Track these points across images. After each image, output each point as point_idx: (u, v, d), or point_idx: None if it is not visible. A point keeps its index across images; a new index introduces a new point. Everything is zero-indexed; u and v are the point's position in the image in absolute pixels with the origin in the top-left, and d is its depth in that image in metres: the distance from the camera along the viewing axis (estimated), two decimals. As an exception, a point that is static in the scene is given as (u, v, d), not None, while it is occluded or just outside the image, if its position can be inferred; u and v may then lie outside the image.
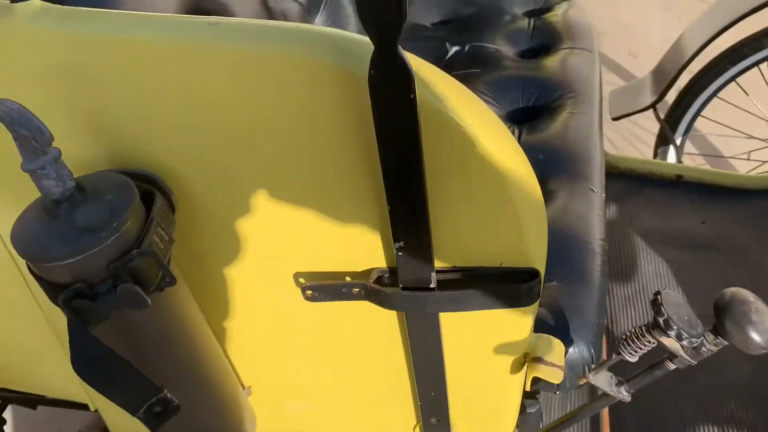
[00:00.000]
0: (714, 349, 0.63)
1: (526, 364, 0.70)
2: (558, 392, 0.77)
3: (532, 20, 1.37)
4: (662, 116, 1.61)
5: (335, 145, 0.55)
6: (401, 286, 0.61)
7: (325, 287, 0.64)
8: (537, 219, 0.59)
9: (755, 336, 0.60)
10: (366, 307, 0.65)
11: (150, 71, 0.54)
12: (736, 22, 1.40)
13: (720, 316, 0.62)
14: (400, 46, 0.45)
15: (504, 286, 0.60)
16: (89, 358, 0.53)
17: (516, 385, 0.72)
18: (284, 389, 0.82)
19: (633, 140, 2.11)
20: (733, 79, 1.48)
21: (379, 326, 0.69)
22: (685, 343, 0.63)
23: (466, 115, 0.51)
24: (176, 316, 0.62)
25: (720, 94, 1.53)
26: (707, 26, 1.48)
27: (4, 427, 1.23)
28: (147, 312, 0.55)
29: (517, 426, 0.80)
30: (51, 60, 0.55)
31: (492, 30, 1.33)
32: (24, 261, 0.54)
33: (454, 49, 1.30)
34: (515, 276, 0.60)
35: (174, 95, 0.55)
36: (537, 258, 0.60)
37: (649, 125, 2.06)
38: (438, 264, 0.60)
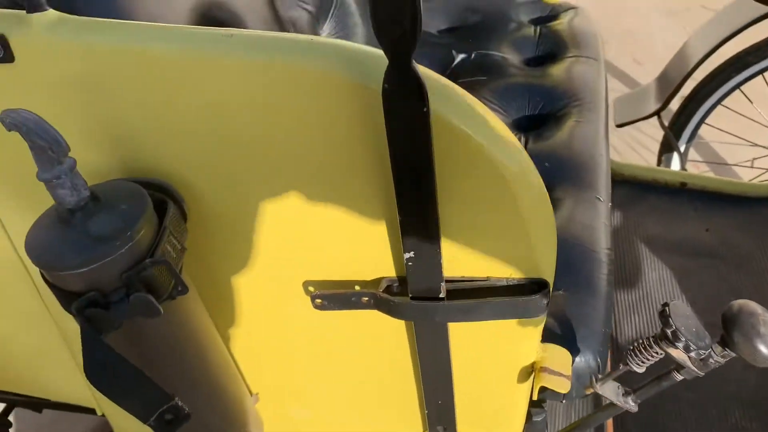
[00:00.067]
0: (721, 360, 0.63)
1: (533, 374, 0.70)
2: (564, 401, 0.77)
3: (538, 28, 1.37)
4: (666, 123, 1.61)
5: (347, 156, 0.55)
6: (411, 295, 0.61)
7: (334, 296, 0.65)
8: (546, 230, 0.60)
9: (763, 348, 0.60)
10: (374, 315, 0.65)
11: (165, 82, 0.55)
12: (741, 31, 1.41)
13: (728, 328, 0.62)
14: (414, 60, 0.46)
15: (513, 296, 0.60)
16: (102, 366, 0.53)
17: (523, 394, 0.72)
18: (291, 396, 0.82)
19: (637, 147, 2.12)
20: (737, 87, 1.49)
21: (387, 335, 0.69)
22: (692, 354, 0.63)
23: (477, 128, 0.52)
24: (187, 323, 0.63)
25: (724, 102, 1.53)
26: (712, 34, 1.49)
27: (10, 430, 1.23)
28: (159, 320, 0.55)
29: (523, 434, 0.81)
30: (67, 70, 0.56)
31: (498, 38, 1.33)
32: (35, 267, 0.54)
33: (461, 56, 1.30)
34: (524, 287, 0.60)
35: (188, 106, 0.56)
36: (546, 269, 0.60)
37: (653, 132, 2.07)
38: (447, 274, 0.60)
